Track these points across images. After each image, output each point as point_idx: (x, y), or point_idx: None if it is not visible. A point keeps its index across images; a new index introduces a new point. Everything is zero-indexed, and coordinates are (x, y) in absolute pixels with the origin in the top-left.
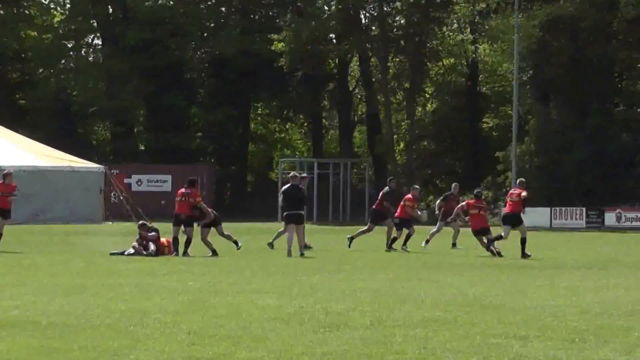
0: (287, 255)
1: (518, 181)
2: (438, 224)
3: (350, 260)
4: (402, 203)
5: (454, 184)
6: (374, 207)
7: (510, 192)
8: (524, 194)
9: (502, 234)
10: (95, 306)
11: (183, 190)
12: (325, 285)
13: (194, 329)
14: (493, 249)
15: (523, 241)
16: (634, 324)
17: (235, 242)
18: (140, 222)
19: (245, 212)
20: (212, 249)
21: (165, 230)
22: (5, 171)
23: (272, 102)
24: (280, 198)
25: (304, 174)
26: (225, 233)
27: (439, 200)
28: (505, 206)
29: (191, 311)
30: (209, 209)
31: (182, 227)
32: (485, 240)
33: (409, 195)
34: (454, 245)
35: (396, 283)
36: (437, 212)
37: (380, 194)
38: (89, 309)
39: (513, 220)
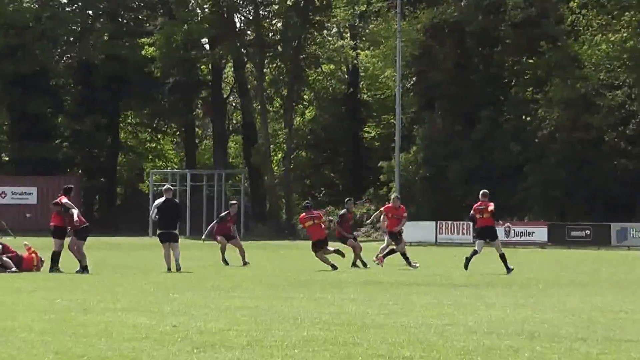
0: (166, 271)
1: (482, 193)
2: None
3: (226, 277)
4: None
5: (346, 200)
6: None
7: (476, 206)
8: (491, 207)
9: (476, 249)
10: None
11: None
12: (200, 303)
13: (62, 349)
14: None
15: (502, 257)
16: (523, 344)
17: (84, 268)
18: None
19: (114, 225)
20: (84, 265)
21: (44, 245)
22: None
23: (142, 111)
24: (153, 213)
25: (234, 202)
26: (82, 252)
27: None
28: (474, 221)
29: (59, 330)
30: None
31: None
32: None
33: (389, 205)
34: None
35: (274, 301)
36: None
37: (337, 220)
38: None
39: (488, 235)
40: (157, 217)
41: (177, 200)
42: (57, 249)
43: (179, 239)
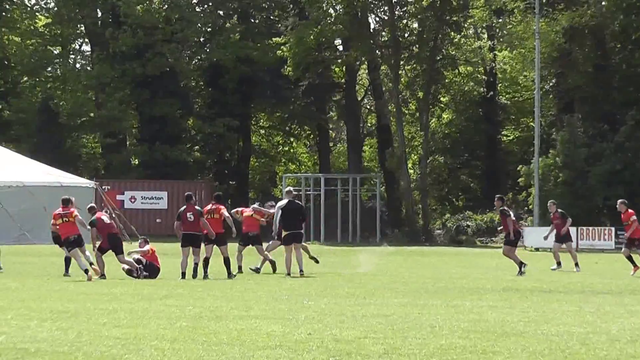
0: (285, 275)
1: None
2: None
3: (360, 284)
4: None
5: (549, 202)
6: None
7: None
8: (633, 217)
9: None
10: (87, 332)
11: (209, 207)
12: (335, 310)
13: (194, 357)
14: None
15: None
16: None
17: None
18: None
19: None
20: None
21: (174, 251)
22: None
23: (274, 113)
24: (277, 215)
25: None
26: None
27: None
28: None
29: (190, 338)
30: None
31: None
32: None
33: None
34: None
35: (410, 308)
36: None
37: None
38: (81, 335)
39: None
40: (280, 220)
41: (300, 203)
42: (215, 254)
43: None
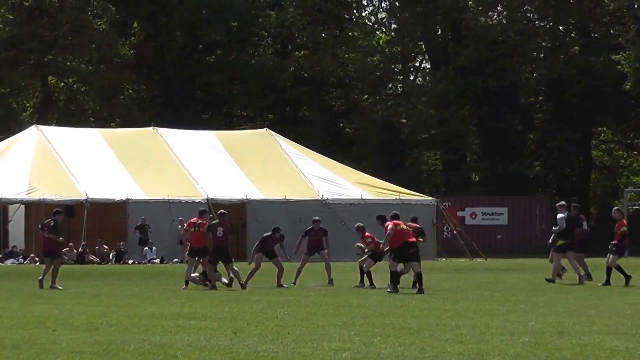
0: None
1: None
2: None
3: None
4: None
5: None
6: None
7: None
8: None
9: None
10: (430, 348)
11: None
12: None
13: None
14: None
15: None
16: None
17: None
18: None
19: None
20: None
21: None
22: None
23: (616, 128)
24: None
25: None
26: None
27: None
28: None
29: (533, 354)
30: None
31: None
32: None
33: None
34: None
35: None
36: None
37: None
38: (424, 351)
39: None
40: None
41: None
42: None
43: None
